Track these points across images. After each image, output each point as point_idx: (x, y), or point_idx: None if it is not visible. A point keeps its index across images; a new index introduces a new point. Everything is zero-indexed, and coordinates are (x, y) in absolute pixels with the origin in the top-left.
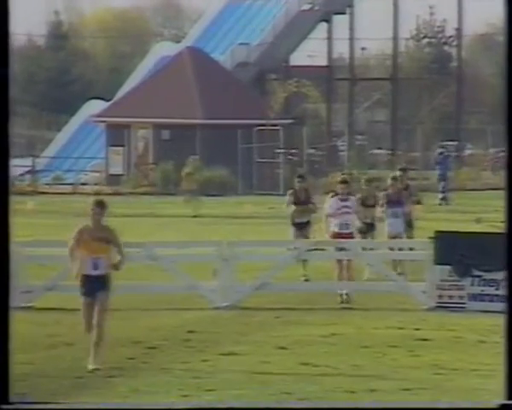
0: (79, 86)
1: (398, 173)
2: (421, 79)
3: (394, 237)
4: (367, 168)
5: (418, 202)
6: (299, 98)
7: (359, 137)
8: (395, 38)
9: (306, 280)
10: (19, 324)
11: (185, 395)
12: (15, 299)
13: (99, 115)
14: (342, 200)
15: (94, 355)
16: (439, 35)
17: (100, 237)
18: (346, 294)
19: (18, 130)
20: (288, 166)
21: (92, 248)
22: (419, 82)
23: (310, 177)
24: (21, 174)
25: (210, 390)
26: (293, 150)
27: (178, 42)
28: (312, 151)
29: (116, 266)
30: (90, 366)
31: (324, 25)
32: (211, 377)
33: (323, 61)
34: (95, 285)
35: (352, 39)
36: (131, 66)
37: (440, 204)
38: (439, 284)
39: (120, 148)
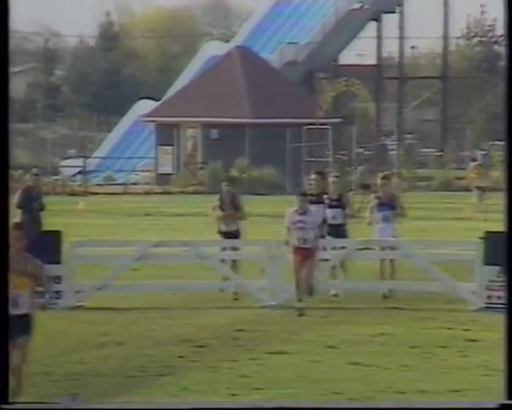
0: (129, 86)
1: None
2: (471, 77)
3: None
4: (416, 167)
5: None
6: (348, 97)
7: (408, 136)
8: (445, 37)
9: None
10: (70, 323)
11: (234, 394)
12: (67, 299)
13: (149, 115)
14: (300, 213)
15: None
16: (490, 34)
17: (20, 268)
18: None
19: (69, 131)
20: (337, 166)
21: (11, 282)
22: (469, 81)
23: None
24: (73, 175)
25: (258, 389)
26: (342, 149)
27: (227, 41)
28: (361, 150)
29: (42, 306)
30: None
31: (374, 24)
32: (259, 376)
33: (373, 60)
34: (14, 327)
35: (401, 38)
36: (181, 65)
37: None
38: (488, 284)
39: (169, 147)
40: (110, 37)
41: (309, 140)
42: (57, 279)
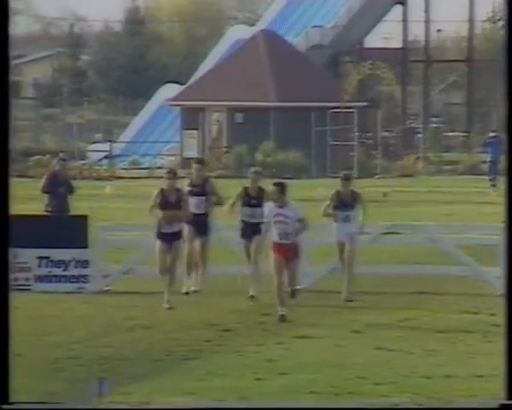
0: (155, 71)
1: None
2: (496, 60)
3: (342, 245)
4: (442, 151)
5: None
6: (374, 81)
7: (434, 119)
8: (471, 20)
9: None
10: (98, 307)
11: (259, 379)
12: (95, 283)
13: (174, 99)
14: (279, 207)
15: None
16: None
17: None
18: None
19: (95, 115)
20: (362, 149)
21: None
22: (495, 64)
23: (384, 160)
24: (99, 159)
25: (284, 374)
26: (368, 133)
27: (252, 25)
28: (387, 134)
29: None
30: None
31: (399, 7)
32: (285, 360)
33: (398, 44)
34: None
35: (427, 21)
36: (206, 49)
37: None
38: None
39: (195, 131)
40: (136, 21)
41: (334, 124)
42: (85, 264)
